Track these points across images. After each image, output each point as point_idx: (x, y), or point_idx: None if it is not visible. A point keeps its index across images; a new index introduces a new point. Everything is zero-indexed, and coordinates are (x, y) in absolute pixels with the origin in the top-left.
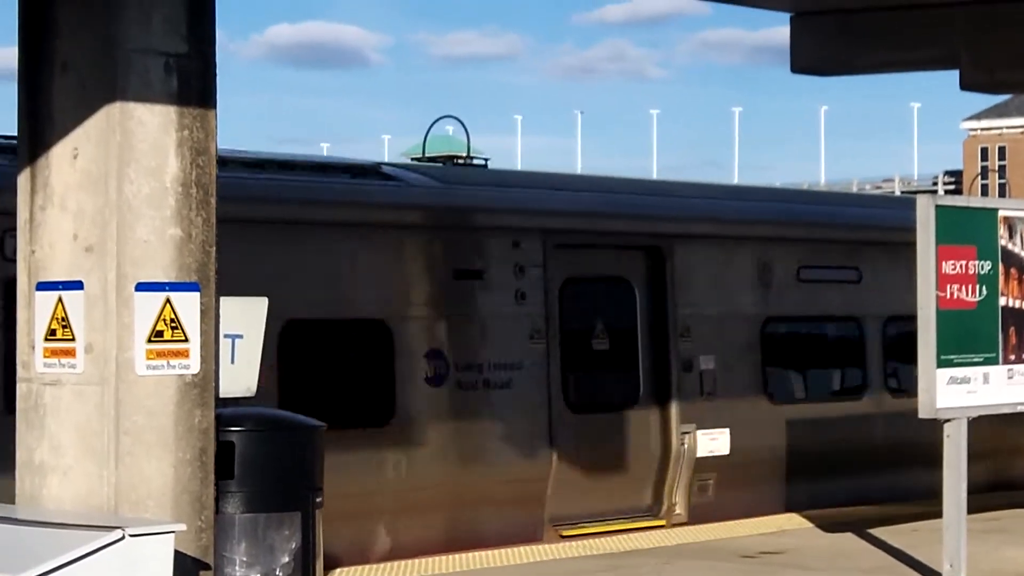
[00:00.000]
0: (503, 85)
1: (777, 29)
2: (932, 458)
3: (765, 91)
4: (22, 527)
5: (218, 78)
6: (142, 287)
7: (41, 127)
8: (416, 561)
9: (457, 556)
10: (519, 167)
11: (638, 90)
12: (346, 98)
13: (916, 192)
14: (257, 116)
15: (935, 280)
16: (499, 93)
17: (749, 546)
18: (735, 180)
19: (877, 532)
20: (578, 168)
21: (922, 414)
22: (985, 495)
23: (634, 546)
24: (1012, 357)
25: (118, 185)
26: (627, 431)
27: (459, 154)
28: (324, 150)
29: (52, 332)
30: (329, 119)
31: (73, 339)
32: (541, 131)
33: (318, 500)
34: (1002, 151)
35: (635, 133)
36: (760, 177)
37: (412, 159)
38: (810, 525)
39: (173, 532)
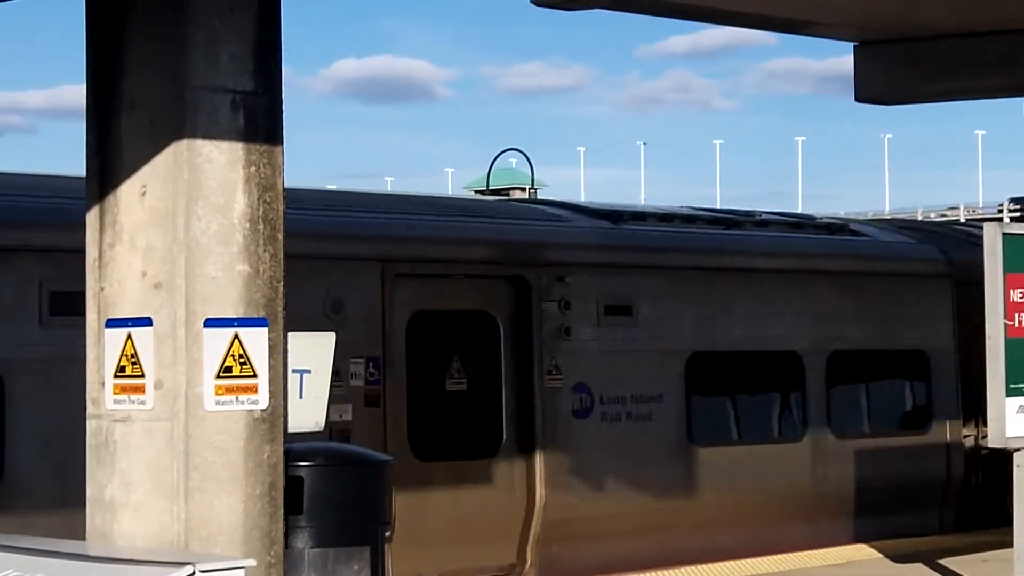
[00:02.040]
0: (567, 117)
1: (843, 58)
2: None
3: (829, 120)
4: (93, 563)
5: (285, 113)
6: (210, 323)
7: (110, 165)
8: None
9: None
10: (583, 198)
11: (702, 120)
12: (411, 132)
13: (982, 219)
14: (324, 151)
15: (1003, 308)
16: (563, 125)
17: None
18: (799, 209)
19: (947, 563)
20: (641, 199)
21: (992, 443)
22: None
23: None
24: None
25: (186, 222)
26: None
27: (522, 186)
28: (388, 184)
29: (122, 369)
30: (394, 153)
31: (143, 375)
32: (605, 163)
33: (387, 534)
34: None
35: (699, 164)
36: (825, 207)
37: (475, 192)
38: (879, 556)
39: (243, 568)
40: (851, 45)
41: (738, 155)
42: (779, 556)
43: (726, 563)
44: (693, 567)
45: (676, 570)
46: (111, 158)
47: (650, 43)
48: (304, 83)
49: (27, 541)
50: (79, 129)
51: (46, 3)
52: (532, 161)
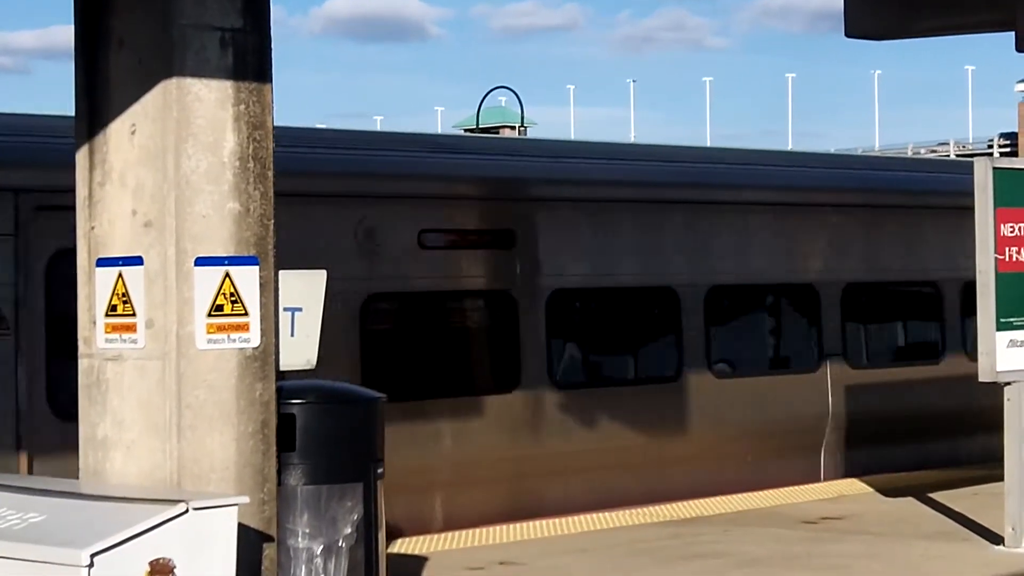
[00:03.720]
0: (559, 56)
1: None
2: None
3: (820, 58)
4: (87, 501)
5: (277, 53)
6: (201, 262)
7: (99, 104)
8: (476, 531)
9: (512, 525)
10: (572, 137)
11: (694, 59)
12: (404, 72)
13: (972, 155)
14: (316, 91)
15: (994, 243)
16: (554, 64)
17: (810, 512)
18: (789, 147)
19: (938, 497)
20: (631, 138)
21: (982, 377)
22: None
23: (695, 513)
24: None
25: (176, 161)
26: None
27: (511, 124)
28: (377, 123)
29: (113, 308)
30: (386, 93)
31: (134, 315)
32: (595, 101)
33: (379, 471)
34: None
35: (690, 102)
36: (815, 144)
37: (465, 130)
38: (870, 490)
39: (236, 505)
40: None
41: (729, 94)
42: (771, 491)
43: (717, 498)
44: (725, 497)
45: (672, 505)
46: (100, 97)
47: None
48: (296, 22)
49: (20, 480)
50: (69, 68)
51: None
52: (522, 100)
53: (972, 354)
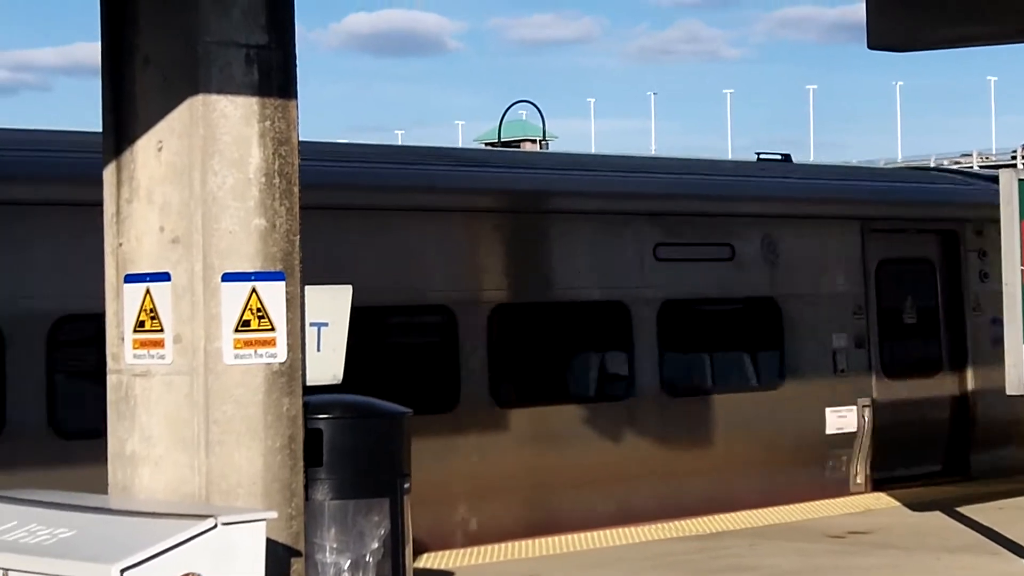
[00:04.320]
0: (578, 68)
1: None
2: None
3: (840, 68)
4: (115, 517)
5: (299, 68)
6: (228, 277)
7: (125, 121)
8: (503, 546)
9: (539, 540)
10: (593, 149)
11: (712, 70)
12: (423, 85)
13: (996, 166)
14: (335, 104)
15: (1019, 255)
16: (573, 77)
17: (836, 526)
18: (811, 159)
19: (964, 510)
20: (652, 150)
21: (1010, 391)
22: None
23: (721, 527)
24: None
25: (202, 177)
26: None
27: (533, 138)
28: (398, 137)
29: (141, 324)
30: (404, 106)
31: (161, 330)
32: (615, 114)
33: (406, 486)
34: None
35: (710, 113)
36: (837, 155)
37: (486, 144)
38: (897, 504)
39: (264, 520)
40: None
41: (749, 105)
42: (799, 505)
43: (742, 512)
44: (749, 511)
45: (696, 520)
46: (127, 114)
47: None
48: (316, 37)
49: (51, 495)
50: (93, 86)
51: None
52: (543, 113)
53: None
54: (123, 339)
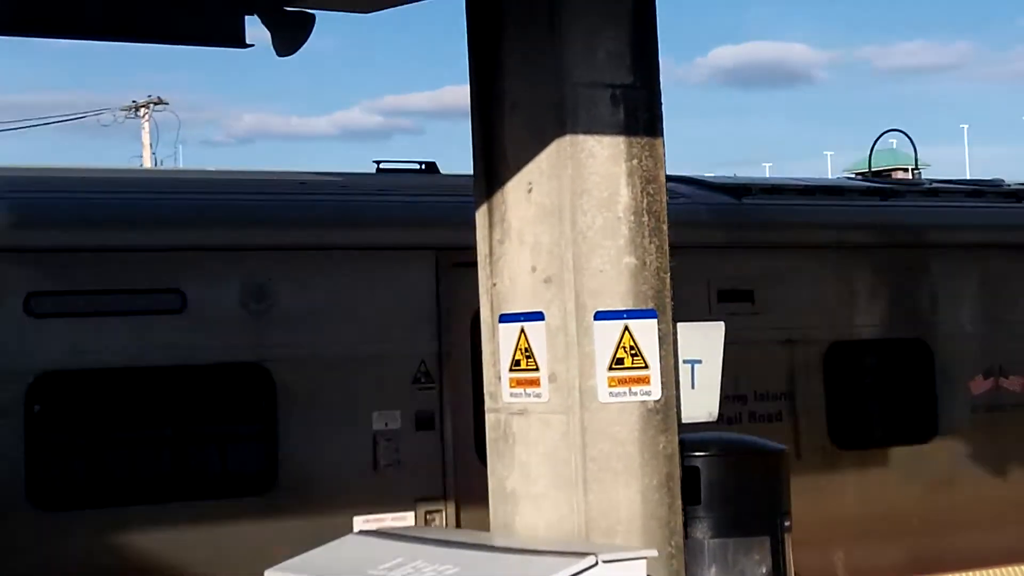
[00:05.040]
0: (949, 94)
1: None
2: None
3: None
4: (499, 554)
5: (664, 104)
6: (601, 316)
7: (495, 165)
8: None
9: None
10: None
11: None
12: (790, 117)
13: None
14: (703, 139)
15: None
16: (945, 103)
17: None
18: None
19: None
20: None
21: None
22: None
23: None
24: None
25: (572, 217)
26: None
27: (904, 166)
28: (766, 170)
29: (516, 363)
30: (773, 139)
31: (537, 369)
32: (990, 140)
33: (786, 524)
34: None
35: None
36: None
37: (855, 175)
38: None
39: (645, 558)
40: None
41: None
42: None
43: None
44: None
45: None
46: (496, 158)
47: None
48: (682, 72)
49: (434, 532)
50: (461, 128)
51: (427, 10)
52: (914, 141)
53: None
54: (500, 378)
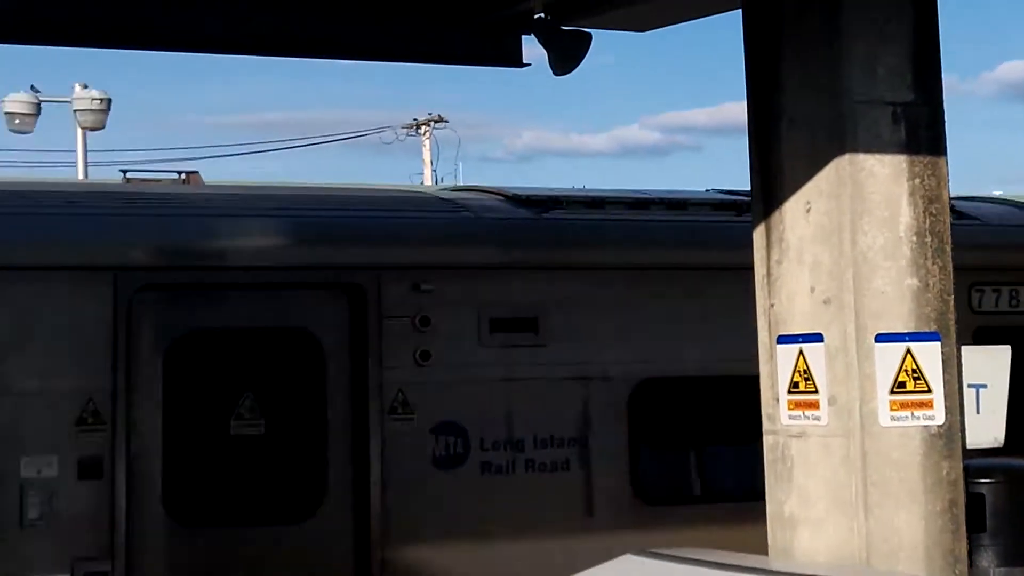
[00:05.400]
0: None
1: None
2: None
3: None
4: None
5: (948, 120)
6: (881, 338)
7: (772, 183)
8: None
9: None
10: None
11: None
12: None
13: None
14: (988, 155)
15: None
16: None
17: None
18: None
19: None
20: None
21: None
22: None
23: None
24: None
25: (852, 237)
26: None
27: None
28: None
29: (795, 385)
30: None
31: (816, 391)
32: None
33: None
34: None
35: None
36: None
37: None
38: None
39: None
40: None
41: None
42: None
43: None
44: None
45: None
46: (773, 176)
47: None
48: (967, 87)
49: (710, 555)
50: (738, 144)
51: (711, 27)
52: None
53: None
54: (778, 400)
